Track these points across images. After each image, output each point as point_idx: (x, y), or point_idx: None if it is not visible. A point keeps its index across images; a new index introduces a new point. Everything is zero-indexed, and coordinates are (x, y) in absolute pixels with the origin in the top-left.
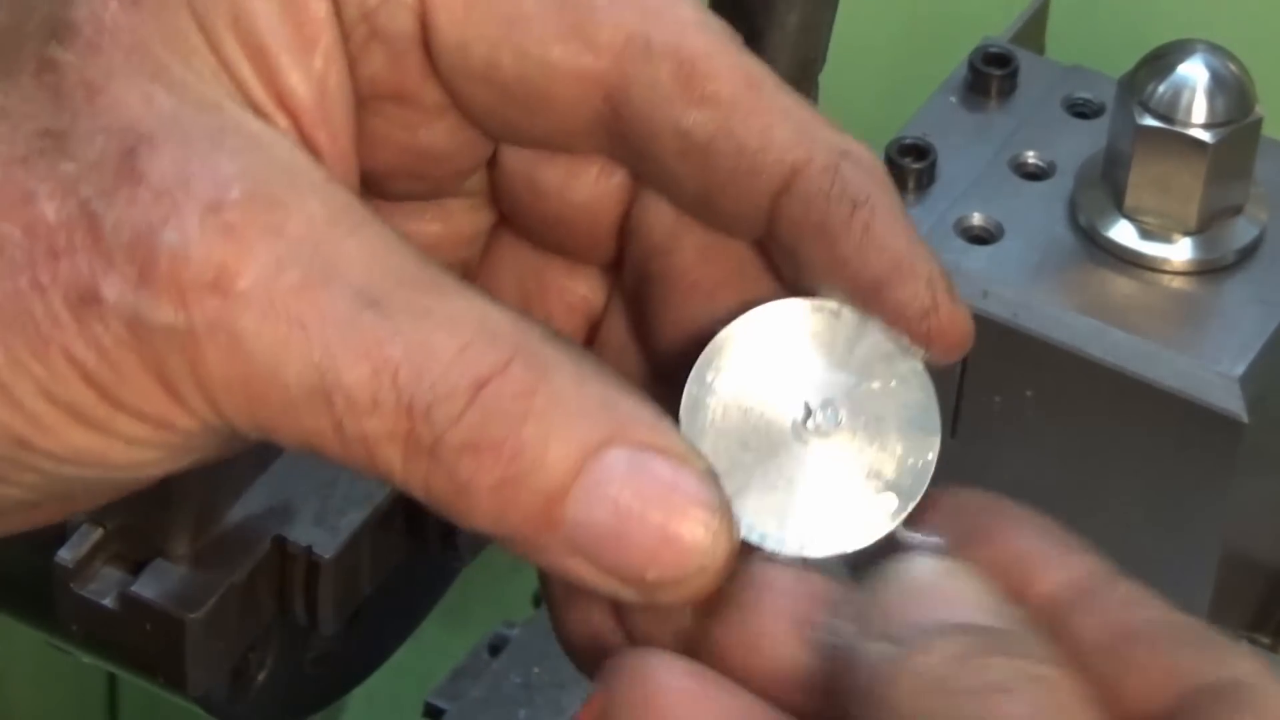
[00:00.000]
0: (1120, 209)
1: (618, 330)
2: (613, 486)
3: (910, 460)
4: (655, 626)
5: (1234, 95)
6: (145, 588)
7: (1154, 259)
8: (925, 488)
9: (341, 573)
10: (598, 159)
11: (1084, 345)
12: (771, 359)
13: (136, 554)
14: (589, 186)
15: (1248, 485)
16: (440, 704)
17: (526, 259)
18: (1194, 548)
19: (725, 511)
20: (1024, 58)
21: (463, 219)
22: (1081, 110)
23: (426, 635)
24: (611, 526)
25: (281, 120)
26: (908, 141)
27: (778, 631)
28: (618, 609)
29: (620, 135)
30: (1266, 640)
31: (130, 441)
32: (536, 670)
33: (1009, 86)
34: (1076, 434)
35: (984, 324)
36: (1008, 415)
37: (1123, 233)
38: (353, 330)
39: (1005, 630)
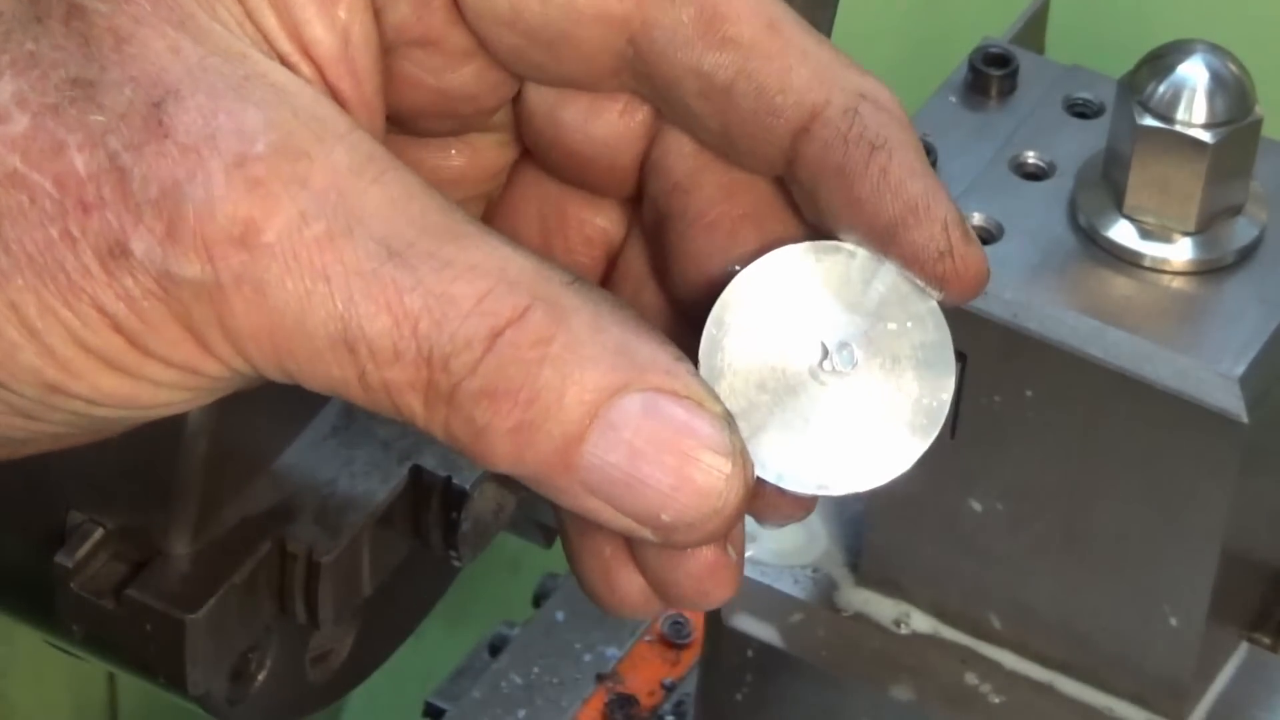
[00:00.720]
0: (1120, 209)
1: (636, 264)
2: (627, 430)
3: (925, 400)
4: (669, 564)
5: (1234, 95)
6: (145, 588)
7: (1154, 259)
8: (940, 426)
9: (341, 573)
10: (621, 96)
11: (1084, 345)
12: (788, 301)
13: (136, 554)
14: (611, 122)
15: (1248, 485)
16: (440, 704)
17: (548, 192)
18: (1194, 548)
19: (740, 455)
20: (1024, 58)
21: (487, 153)
22: (1081, 110)
23: (426, 635)
24: (626, 470)
25: (306, 70)
26: None
27: None
28: (630, 542)
29: (643, 76)
30: (1267, 640)
31: (159, 385)
32: (536, 670)
33: (1009, 86)
34: (1076, 434)
35: (984, 324)
36: (1008, 415)
37: (1123, 233)
38: (375, 281)
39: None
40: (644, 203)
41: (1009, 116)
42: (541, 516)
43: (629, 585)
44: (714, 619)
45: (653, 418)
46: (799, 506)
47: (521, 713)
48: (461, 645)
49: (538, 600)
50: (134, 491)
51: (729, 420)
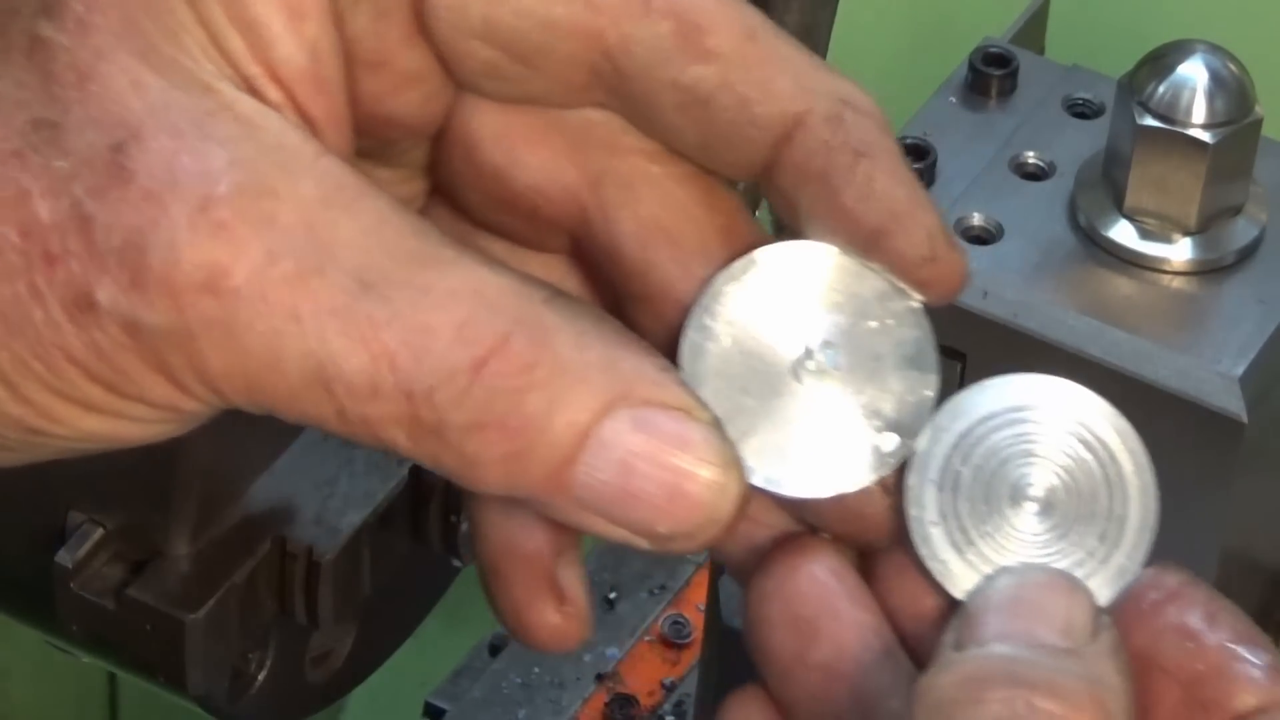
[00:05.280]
0: (1120, 209)
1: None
2: (619, 448)
3: (909, 398)
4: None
5: (1234, 95)
6: (145, 588)
7: (1154, 259)
8: (925, 425)
9: (341, 573)
10: (543, 150)
11: (1084, 345)
12: (769, 302)
13: (136, 554)
14: (538, 168)
15: (1248, 485)
16: (440, 704)
17: (457, 234)
18: (1194, 548)
19: (732, 462)
20: (1024, 58)
21: (394, 189)
22: (1081, 110)
23: (426, 635)
24: (620, 486)
25: (274, 93)
26: (908, 141)
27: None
28: (534, 579)
29: (617, 90)
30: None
31: (141, 421)
32: (536, 670)
33: (1009, 86)
34: None
35: (984, 324)
36: None
37: (1123, 233)
38: (348, 317)
39: (1055, 651)
40: (590, 265)
41: (1009, 116)
42: None
43: (539, 623)
44: (714, 619)
45: (643, 432)
46: None
47: (521, 713)
48: (461, 645)
49: None
50: (134, 491)
51: (718, 427)
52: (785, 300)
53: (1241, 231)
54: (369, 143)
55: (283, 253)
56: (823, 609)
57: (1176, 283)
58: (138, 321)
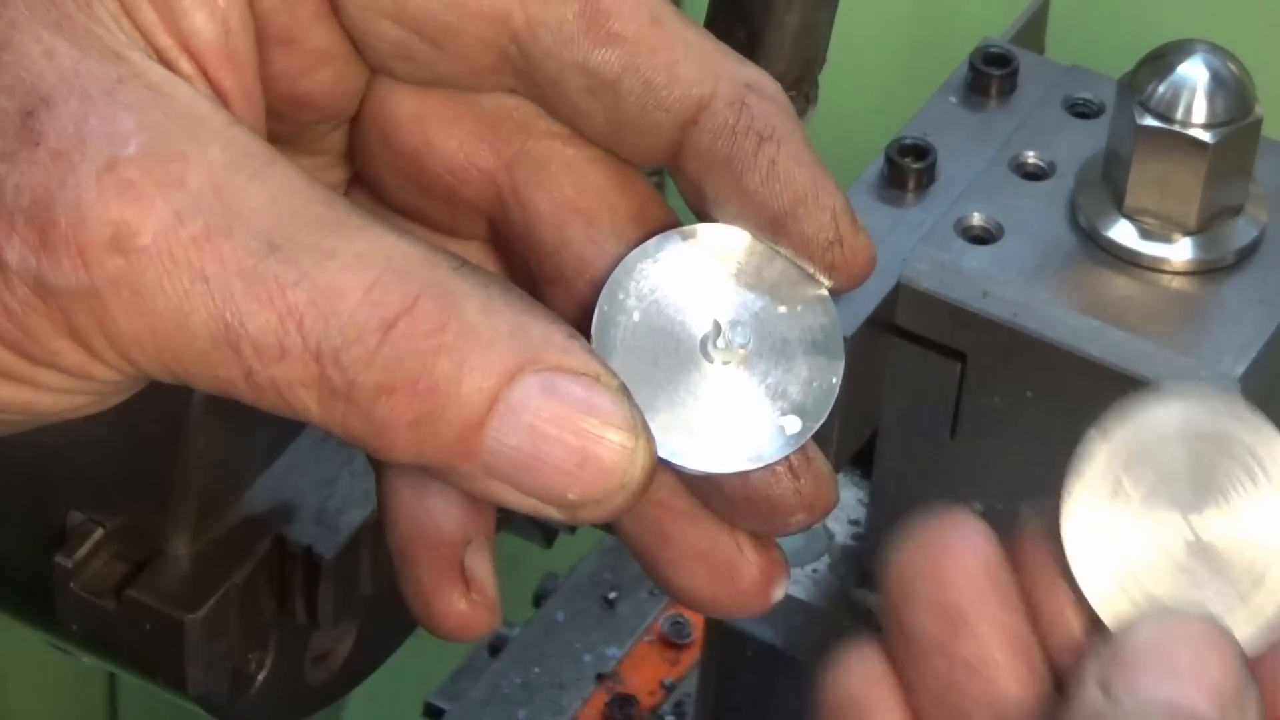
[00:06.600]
0: (1120, 209)
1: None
2: (527, 413)
3: (815, 383)
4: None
5: (1234, 95)
6: (145, 588)
7: (1154, 259)
8: (829, 410)
9: (341, 573)
10: (458, 133)
11: (1084, 345)
12: (681, 280)
13: (136, 554)
14: (452, 151)
15: None
16: (440, 704)
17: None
18: None
19: (641, 429)
20: (1024, 58)
21: (314, 177)
22: (1081, 110)
23: (426, 635)
24: (529, 452)
25: (185, 64)
26: (908, 141)
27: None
28: (443, 571)
29: (525, 74)
30: None
31: (55, 391)
32: (536, 670)
33: (1009, 86)
34: (1077, 434)
35: (984, 324)
36: (1008, 415)
37: (1123, 233)
38: (256, 278)
39: None
40: (503, 246)
41: (1009, 116)
42: None
43: (445, 610)
44: (714, 619)
45: (552, 397)
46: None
47: (521, 713)
48: (461, 645)
49: (538, 600)
50: (134, 491)
51: (626, 394)
52: (697, 279)
53: (1241, 231)
54: (285, 126)
55: (191, 214)
56: (973, 604)
57: (1176, 283)
58: (46, 281)
